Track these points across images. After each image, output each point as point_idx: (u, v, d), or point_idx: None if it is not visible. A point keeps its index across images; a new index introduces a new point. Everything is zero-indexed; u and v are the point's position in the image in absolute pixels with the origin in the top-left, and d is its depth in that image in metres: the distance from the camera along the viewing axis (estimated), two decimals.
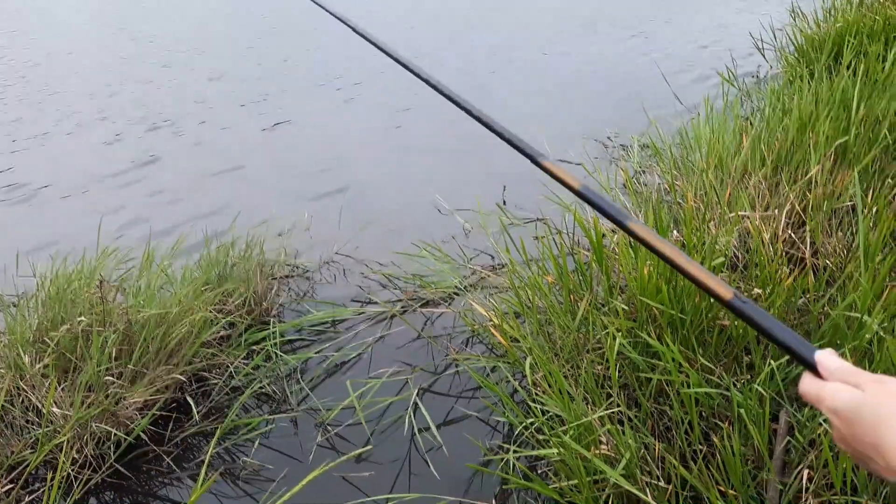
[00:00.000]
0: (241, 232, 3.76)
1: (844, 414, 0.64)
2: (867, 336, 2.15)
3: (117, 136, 6.41)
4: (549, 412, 2.32)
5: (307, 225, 4.40)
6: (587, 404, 2.30)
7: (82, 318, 2.70)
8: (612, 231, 3.46)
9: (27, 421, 2.58)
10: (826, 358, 0.67)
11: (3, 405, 2.50)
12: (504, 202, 4.60)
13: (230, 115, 6.93)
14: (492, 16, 12.22)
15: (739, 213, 3.44)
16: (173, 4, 14.87)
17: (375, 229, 4.32)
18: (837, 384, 0.65)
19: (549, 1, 13.51)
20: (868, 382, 0.63)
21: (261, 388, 2.95)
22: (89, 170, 5.60)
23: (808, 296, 2.62)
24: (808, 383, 0.67)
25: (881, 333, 2.10)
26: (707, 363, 2.31)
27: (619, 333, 2.38)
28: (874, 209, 3.02)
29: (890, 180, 3.35)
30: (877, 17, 6.05)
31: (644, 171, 4.86)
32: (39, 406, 2.55)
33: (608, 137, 5.71)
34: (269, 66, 8.95)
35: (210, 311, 3.04)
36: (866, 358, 2.16)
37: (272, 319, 3.33)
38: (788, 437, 2.15)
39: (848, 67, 4.52)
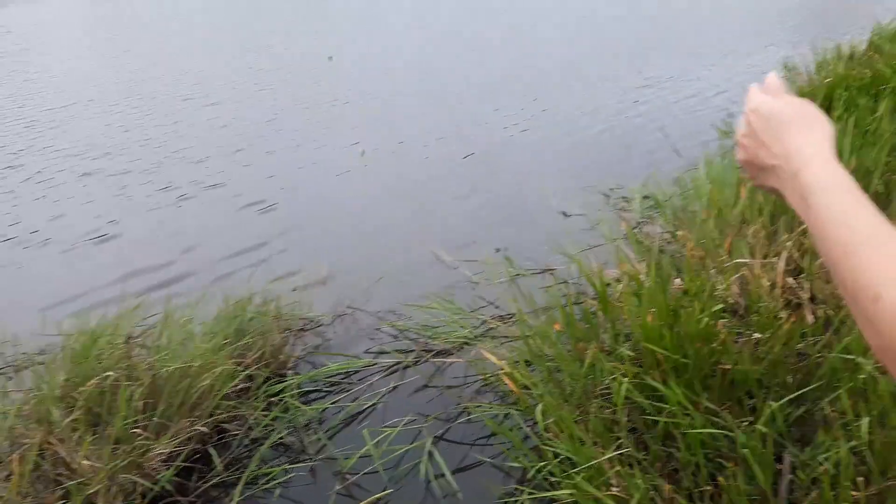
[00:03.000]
0: (257, 287, 3.89)
1: (761, 111, 0.79)
2: (861, 377, 2.25)
3: (125, 188, 6.61)
4: (560, 455, 2.41)
5: (322, 279, 4.53)
6: (597, 447, 2.39)
7: (110, 373, 2.81)
8: (617, 280, 3.59)
9: (57, 474, 2.67)
10: (771, 77, 0.83)
11: (34, 459, 2.59)
12: (505, 248, 4.73)
13: (241, 172, 7.14)
14: (483, 68, 12.57)
15: (739, 260, 3.57)
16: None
17: (386, 283, 4.46)
18: (766, 95, 0.81)
19: (540, 54, 13.90)
20: (785, 96, 0.80)
21: (280, 438, 3.04)
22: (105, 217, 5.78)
23: (806, 340, 2.72)
24: (751, 90, 0.84)
25: (874, 374, 2.20)
26: (711, 406, 2.40)
27: (626, 379, 2.48)
28: None
29: None
30: (865, 71, 6.28)
31: (646, 222, 5.00)
32: (68, 460, 2.65)
33: (610, 189, 5.87)
34: (285, 121, 9.22)
35: (230, 365, 3.15)
36: (861, 398, 2.26)
37: (289, 372, 3.44)
38: (791, 476, 2.24)
39: (839, 120, 4.70)
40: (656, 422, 2.43)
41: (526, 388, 2.89)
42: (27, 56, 17.84)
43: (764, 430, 2.22)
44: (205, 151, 7.99)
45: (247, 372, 3.26)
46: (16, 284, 4.97)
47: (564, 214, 5.44)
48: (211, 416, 2.99)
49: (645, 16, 20.63)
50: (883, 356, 0.59)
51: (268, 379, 3.37)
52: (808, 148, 0.72)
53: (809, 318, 2.87)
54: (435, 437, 3.02)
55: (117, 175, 7.26)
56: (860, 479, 2.04)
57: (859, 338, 2.46)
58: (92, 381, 2.80)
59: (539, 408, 2.62)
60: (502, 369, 2.99)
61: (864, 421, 2.12)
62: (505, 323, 3.74)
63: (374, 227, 5.65)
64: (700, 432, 2.24)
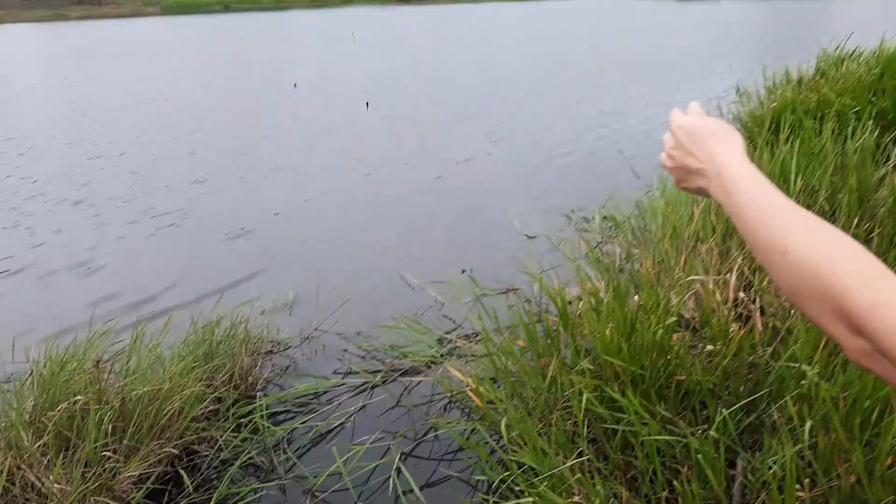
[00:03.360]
0: (225, 311, 3.93)
1: (687, 128, 0.95)
2: (804, 383, 2.38)
3: (99, 216, 6.58)
4: (524, 465, 2.50)
5: (290, 303, 4.59)
6: (559, 457, 2.49)
7: (79, 397, 2.84)
8: (578, 298, 3.71)
9: (26, 499, 2.68)
10: (693, 105, 1.00)
11: (3, 485, 2.60)
12: (471, 269, 4.83)
13: (212, 199, 7.17)
14: (455, 92, 12.77)
15: (693, 277, 3.72)
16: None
17: (354, 305, 4.52)
18: (689, 116, 0.98)
19: (507, 84, 14.16)
20: (705, 117, 0.96)
21: (249, 458, 3.08)
22: (75, 251, 5.76)
23: (756, 350, 2.86)
24: (674, 112, 1.01)
25: (817, 380, 2.34)
26: (667, 415, 2.52)
27: (586, 391, 2.59)
28: None
29: None
30: (811, 96, 6.55)
31: (606, 242, 5.15)
32: (39, 484, 2.66)
33: (572, 211, 6.03)
34: (241, 150, 9.26)
35: (199, 387, 3.18)
36: (806, 403, 2.39)
37: (258, 393, 3.48)
38: (743, 480, 2.35)
39: (786, 142, 4.92)
40: (616, 431, 2.53)
41: (491, 402, 2.98)
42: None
43: (716, 436, 2.34)
44: (173, 179, 8.00)
45: (215, 394, 3.29)
46: None
47: (528, 236, 5.56)
48: (181, 437, 3.02)
49: (609, 48, 21.13)
50: (794, 298, 0.74)
51: (237, 401, 3.40)
52: (725, 153, 0.89)
53: (759, 328, 3.00)
54: (403, 453, 3.09)
55: (88, 203, 7.23)
56: (806, 480, 2.16)
57: (804, 346, 2.60)
58: (61, 406, 2.82)
59: (503, 421, 2.71)
60: (468, 386, 3.07)
61: (808, 425, 2.24)
62: (471, 341, 3.83)
63: (342, 250, 5.73)
64: (656, 439, 2.34)
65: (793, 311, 3.09)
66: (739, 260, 3.80)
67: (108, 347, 3.42)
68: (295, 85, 14.96)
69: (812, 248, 0.72)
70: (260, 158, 8.85)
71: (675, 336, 2.85)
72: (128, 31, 43.11)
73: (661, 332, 2.64)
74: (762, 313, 3.35)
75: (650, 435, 2.36)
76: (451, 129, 10.02)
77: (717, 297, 3.47)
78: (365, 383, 3.62)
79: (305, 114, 12.06)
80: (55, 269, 5.50)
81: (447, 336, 3.93)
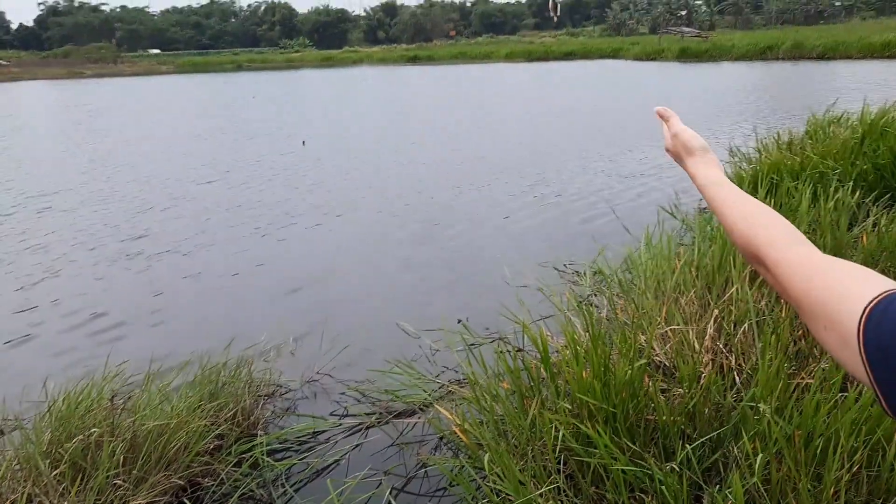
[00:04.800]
0: (232, 354, 4.17)
1: (683, 134, 1.33)
2: (758, 419, 2.60)
3: (114, 261, 6.87)
4: (503, 494, 2.70)
5: (292, 349, 4.83)
6: (536, 487, 2.69)
7: (94, 429, 3.06)
8: (565, 346, 3.93)
9: None
10: (661, 108, 1.45)
11: None
12: (466, 318, 5.06)
13: (221, 247, 7.47)
14: (447, 147, 13.17)
15: (673, 326, 3.95)
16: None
17: (352, 351, 4.75)
18: (683, 126, 1.37)
19: (502, 142, 14.58)
20: (689, 129, 1.35)
21: (249, 491, 3.28)
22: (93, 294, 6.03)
23: (724, 393, 3.07)
24: (673, 117, 1.41)
25: (769, 417, 2.55)
26: (637, 449, 2.72)
27: (562, 428, 2.80)
28: (782, 318, 3.55)
29: None
30: (795, 158, 6.86)
31: (594, 294, 5.39)
32: None
33: (564, 265, 6.29)
34: (243, 203, 9.61)
35: (204, 424, 3.40)
36: (763, 439, 2.60)
37: (259, 431, 3.69)
38: None
39: (764, 199, 5.19)
40: (590, 465, 2.74)
41: (478, 442, 3.19)
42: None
43: (678, 468, 2.54)
44: (176, 228, 8.32)
45: (219, 431, 3.51)
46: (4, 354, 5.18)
47: (521, 288, 5.81)
48: (186, 470, 3.23)
49: (602, 107, 21.67)
50: (748, 261, 1.04)
51: (239, 438, 3.61)
52: (698, 166, 1.26)
53: (727, 373, 3.22)
54: (394, 488, 3.28)
55: (97, 249, 7.54)
56: None
57: (764, 388, 2.82)
58: (77, 438, 3.04)
59: (486, 457, 2.92)
60: (456, 425, 3.28)
61: (759, 459, 2.45)
62: (461, 386, 4.04)
63: (342, 300, 5.98)
64: (624, 471, 2.55)
65: (757, 360, 3.31)
66: (716, 311, 4.03)
67: (122, 386, 3.64)
68: (304, 142, 15.45)
69: (747, 226, 1.02)
70: (265, 210, 9.18)
71: (647, 378, 3.07)
72: (140, 89, 44.25)
73: (630, 373, 2.86)
74: (734, 360, 3.57)
75: (619, 467, 2.56)
76: (449, 187, 10.36)
77: (696, 344, 3.70)
78: (360, 424, 3.83)
79: (310, 168, 12.47)
80: (66, 315, 5.77)
81: (439, 381, 4.15)
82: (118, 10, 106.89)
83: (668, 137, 1.37)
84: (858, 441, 2.48)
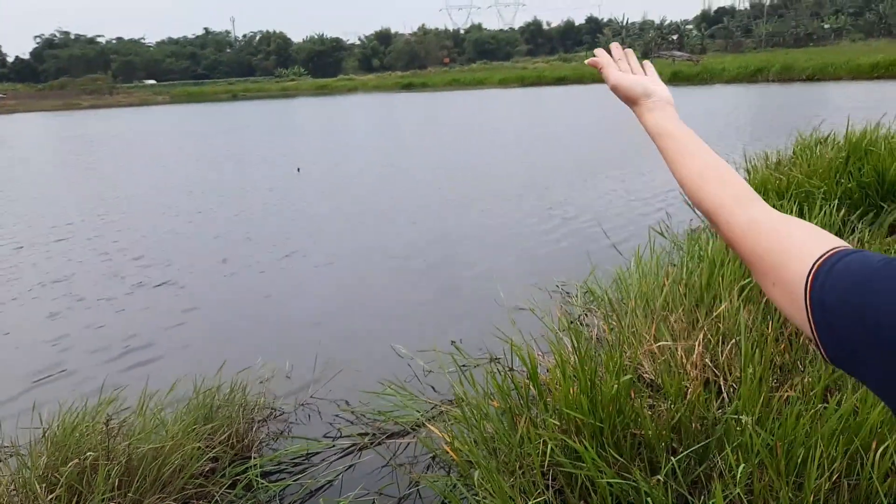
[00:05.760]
0: (226, 378, 4.21)
1: (619, 89, 1.22)
2: (739, 430, 2.65)
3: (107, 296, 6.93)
4: None
5: (287, 372, 4.88)
6: (524, 502, 2.73)
7: (90, 453, 3.10)
8: (554, 366, 3.99)
9: None
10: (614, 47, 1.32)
11: None
12: (460, 340, 5.12)
13: (216, 275, 7.53)
14: (443, 175, 13.29)
15: (661, 343, 4.01)
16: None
17: (346, 374, 4.80)
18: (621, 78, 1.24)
19: (495, 168, 14.71)
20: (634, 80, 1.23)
21: None
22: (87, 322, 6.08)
23: (709, 407, 3.13)
24: (608, 69, 1.27)
25: (750, 429, 2.61)
26: (625, 463, 2.77)
27: (551, 442, 2.85)
28: (764, 334, 3.61)
29: (776, 314, 3.96)
30: (782, 177, 6.97)
31: (586, 314, 5.45)
32: None
33: (556, 285, 6.35)
34: (242, 233, 9.69)
35: (198, 447, 3.44)
36: (745, 451, 2.65)
37: (253, 454, 3.73)
38: None
39: None
40: (577, 479, 2.78)
41: (469, 460, 3.23)
42: None
43: (663, 480, 2.59)
44: (174, 256, 8.39)
45: (213, 453, 3.54)
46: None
47: (514, 309, 5.87)
48: (181, 492, 3.26)
49: (594, 132, 21.88)
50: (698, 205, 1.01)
51: (233, 460, 3.65)
52: (647, 111, 1.17)
53: (713, 388, 3.28)
54: None
55: (94, 275, 7.60)
56: None
57: (746, 401, 2.87)
58: (73, 462, 3.08)
59: (477, 474, 2.96)
60: (447, 444, 3.33)
61: (740, 469, 2.50)
62: (453, 406, 4.09)
63: (337, 323, 6.04)
64: (611, 483, 2.60)
65: (742, 375, 3.37)
66: (705, 328, 4.10)
67: (118, 410, 3.68)
68: (298, 170, 15.57)
69: (696, 186, 1.00)
70: (259, 237, 9.26)
71: (633, 394, 3.12)
72: (136, 120, 44.51)
73: (616, 388, 2.92)
74: (722, 376, 3.63)
75: (606, 481, 2.61)
76: (445, 212, 10.46)
77: (683, 360, 3.75)
78: (353, 445, 3.87)
79: (306, 195, 12.57)
80: (70, 336, 5.81)
81: (431, 401, 4.20)
82: (114, 41, 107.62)
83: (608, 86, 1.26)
84: (838, 450, 2.53)
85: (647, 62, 1.29)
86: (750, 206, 0.92)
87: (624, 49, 1.32)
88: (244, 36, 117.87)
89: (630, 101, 1.21)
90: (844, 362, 0.71)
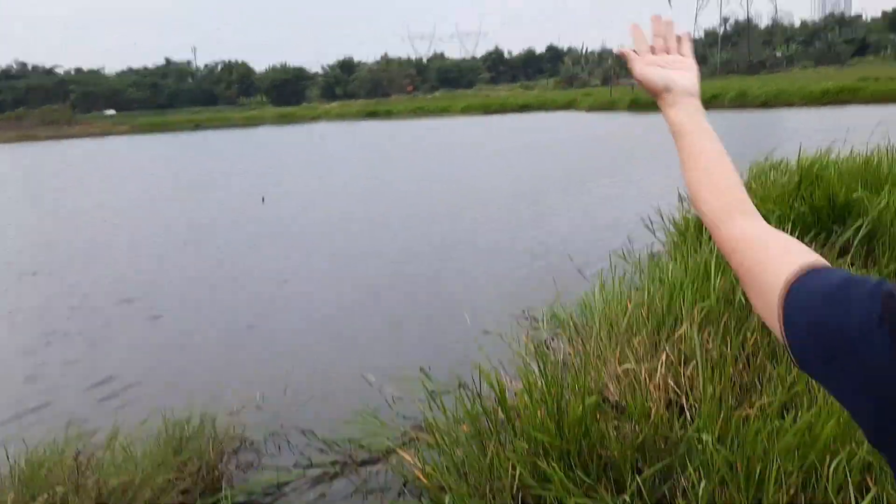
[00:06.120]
0: (196, 409, 4.21)
1: (644, 83, 1.17)
2: (700, 447, 2.75)
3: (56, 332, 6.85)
4: None
5: (258, 403, 4.87)
6: None
7: (59, 487, 3.08)
8: (522, 390, 4.06)
9: None
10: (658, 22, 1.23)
11: None
12: (429, 367, 5.16)
13: (193, 306, 7.49)
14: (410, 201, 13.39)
15: (626, 366, 4.11)
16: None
17: (316, 403, 4.83)
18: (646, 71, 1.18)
19: (463, 194, 14.87)
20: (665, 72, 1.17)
21: None
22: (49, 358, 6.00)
23: (672, 426, 3.22)
24: (632, 58, 1.21)
25: (711, 447, 2.71)
26: (591, 483, 2.85)
27: (520, 465, 2.92)
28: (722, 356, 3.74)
29: (735, 335, 4.10)
30: None
31: (552, 338, 5.54)
32: None
33: (522, 311, 6.45)
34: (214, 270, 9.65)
35: (169, 479, 3.44)
36: (705, 468, 2.74)
37: (224, 485, 3.73)
38: None
39: (707, 243, 5.44)
40: (546, 500, 2.85)
41: (440, 485, 3.28)
42: None
43: (628, 499, 2.67)
44: (141, 289, 8.32)
45: (183, 486, 3.54)
46: None
47: (482, 335, 5.94)
48: None
49: (565, 158, 22.20)
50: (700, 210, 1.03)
51: (203, 492, 3.64)
52: (667, 106, 1.14)
53: (676, 409, 3.38)
54: None
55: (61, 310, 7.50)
56: None
57: (706, 420, 2.98)
58: (41, 497, 3.06)
59: (448, 498, 3.01)
60: (418, 469, 3.37)
61: (702, 487, 2.59)
62: (424, 432, 4.13)
63: (307, 352, 6.05)
64: (578, 503, 2.67)
65: (702, 394, 3.48)
66: (667, 350, 4.21)
67: (87, 445, 3.66)
68: (263, 199, 15.55)
69: (697, 196, 1.02)
70: (233, 268, 9.23)
71: (599, 415, 3.21)
72: (96, 152, 44.00)
73: (582, 410, 3.00)
74: (685, 396, 3.74)
75: (574, 501, 2.68)
76: (413, 239, 10.54)
77: (648, 382, 3.85)
78: (325, 473, 3.89)
79: (272, 223, 12.57)
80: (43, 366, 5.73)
81: (401, 427, 4.23)
82: (73, 72, 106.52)
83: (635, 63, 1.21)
84: (794, 465, 2.63)
85: (684, 37, 1.23)
86: (740, 219, 0.95)
87: (663, 21, 1.24)
88: (206, 66, 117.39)
89: (653, 95, 1.17)
90: (815, 373, 0.77)
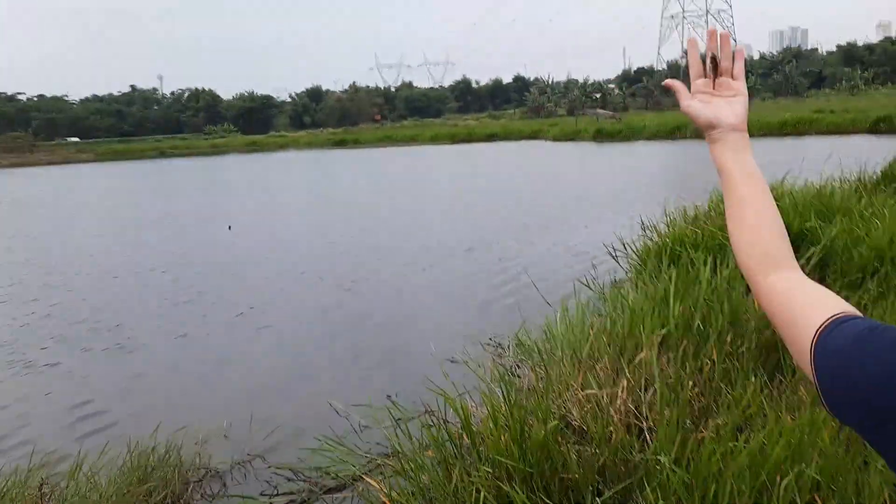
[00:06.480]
0: (162, 439, 4.20)
1: (693, 119, 1.14)
2: (664, 471, 2.84)
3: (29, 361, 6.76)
4: None
5: (224, 432, 4.87)
6: None
7: None
8: (487, 416, 4.13)
9: None
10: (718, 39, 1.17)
11: None
12: (396, 395, 5.21)
13: (155, 335, 7.43)
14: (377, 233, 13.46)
15: (589, 392, 4.20)
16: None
17: (283, 431, 4.83)
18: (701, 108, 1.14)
19: (428, 228, 14.98)
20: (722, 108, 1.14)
21: None
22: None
23: (632, 449, 3.31)
24: (684, 98, 1.17)
25: (668, 467, 2.80)
26: None
27: (484, 489, 2.98)
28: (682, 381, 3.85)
29: (693, 360, 4.22)
30: (698, 230, 7.38)
31: (517, 365, 5.63)
32: None
33: (489, 339, 6.53)
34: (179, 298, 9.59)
35: None
36: (663, 489, 2.83)
37: None
38: None
39: (667, 269, 5.60)
40: None
41: None
42: None
43: None
44: (109, 319, 8.25)
45: None
46: None
47: (449, 363, 6.00)
48: None
49: (529, 188, 22.46)
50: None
51: None
52: (713, 143, 1.12)
53: (635, 432, 3.47)
54: None
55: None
56: None
57: (663, 443, 3.07)
58: None
59: None
60: (385, 495, 3.41)
61: None
62: (390, 458, 4.17)
63: (276, 384, 6.05)
64: None
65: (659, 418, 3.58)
66: (628, 374, 4.32)
67: (51, 475, 3.64)
68: (229, 227, 15.51)
69: (737, 248, 1.04)
70: (201, 298, 9.19)
71: (561, 439, 3.29)
72: (61, 176, 43.41)
73: (544, 435, 3.08)
74: (645, 419, 3.84)
75: None
76: (380, 270, 10.60)
77: (609, 407, 3.95)
78: (291, 502, 3.90)
79: (238, 252, 12.54)
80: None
81: (368, 455, 4.27)
82: (35, 98, 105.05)
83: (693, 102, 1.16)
84: (746, 485, 2.73)
85: (738, 54, 1.16)
86: (773, 274, 0.98)
87: (721, 35, 1.17)
88: (172, 93, 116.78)
89: (700, 128, 1.15)
90: (848, 420, 0.80)
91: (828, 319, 0.84)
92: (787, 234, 1.04)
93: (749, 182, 1.06)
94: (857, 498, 2.70)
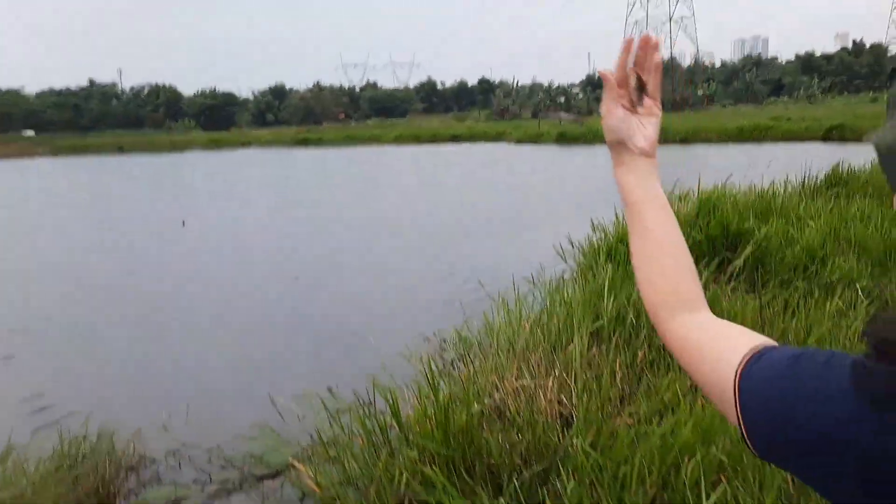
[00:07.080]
0: (95, 428, 4.19)
1: (606, 133, 1.04)
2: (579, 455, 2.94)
3: None
4: None
5: (163, 421, 4.86)
6: None
7: None
8: (418, 404, 4.21)
9: None
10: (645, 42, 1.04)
11: None
12: (336, 386, 5.26)
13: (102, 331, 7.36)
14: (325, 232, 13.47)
15: (520, 382, 4.30)
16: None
17: (221, 421, 4.85)
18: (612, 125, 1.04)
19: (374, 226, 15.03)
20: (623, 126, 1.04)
21: None
22: None
23: (556, 434, 3.41)
24: (605, 106, 1.05)
25: (582, 452, 2.90)
26: (473, 486, 3.00)
27: (406, 472, 3.05)
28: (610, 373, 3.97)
29: (624, 352, 4.35)
30: None
31: (459, 359, 5.71)
32: None
33: (433, 333, 6.61)
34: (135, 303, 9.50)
35: (60, 493, 3.43)
36: (577, 472, 2.94)
37: (120, 501, 3.73)
38: None
39: (604, 265, 5.73)
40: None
41: (334, 497, 3.38)
42: None
43: (506, 501, 2.83)
44: (46, 309, 8.15)
45: (76, 501, 3.53)
46: None
47: (391, 356, 6.06)
48: None
49: (488, 189, 22.63)
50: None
51: None
52: (618, 166, 1.05)
53: (559, 418, 3.57)
54: None
55: None
56: None
57: (581, 427, 3.18)
58: None
59: None
60: (313, 480, 3.46)
61: (570, 487, 2.78)
62: (324, 446, 4.22)
63: (216, 375, 6.05)
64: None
65: (578, 403, 3.69)
66: (559, 365, 4.43)
67: None
68: (183, 223, 15.37)
69: (641, 286, 0.97)
70: (145, 290, 9.12)
71: (486, 425, 3.38)
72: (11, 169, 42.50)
73: (466, 419, 3.16)
74: (573, 409, 3.95)
75: (452, 501, 2.83)
76: (324, 269, 10.62)
77: (539, 396, 4.05)
78: (223, 489, 3.93)
79: (190, 249, 12.46)
80: None
81: (302, 443, 4.31)
82: None
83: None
84: (655, 466, 2.85)
85: (656, 72, 1.03)
86: (679, 316, 0.91)
87: (651, 44, 1.02)
88: (132, 88, 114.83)
89: (609, 141, 1.05)
90: (774, 460, 0.76)
91: (749, 352, 0.77)
92: (696, 270, 0.97)
93: (657, 213, 0.98)
94: (759, 477, 2.82)
